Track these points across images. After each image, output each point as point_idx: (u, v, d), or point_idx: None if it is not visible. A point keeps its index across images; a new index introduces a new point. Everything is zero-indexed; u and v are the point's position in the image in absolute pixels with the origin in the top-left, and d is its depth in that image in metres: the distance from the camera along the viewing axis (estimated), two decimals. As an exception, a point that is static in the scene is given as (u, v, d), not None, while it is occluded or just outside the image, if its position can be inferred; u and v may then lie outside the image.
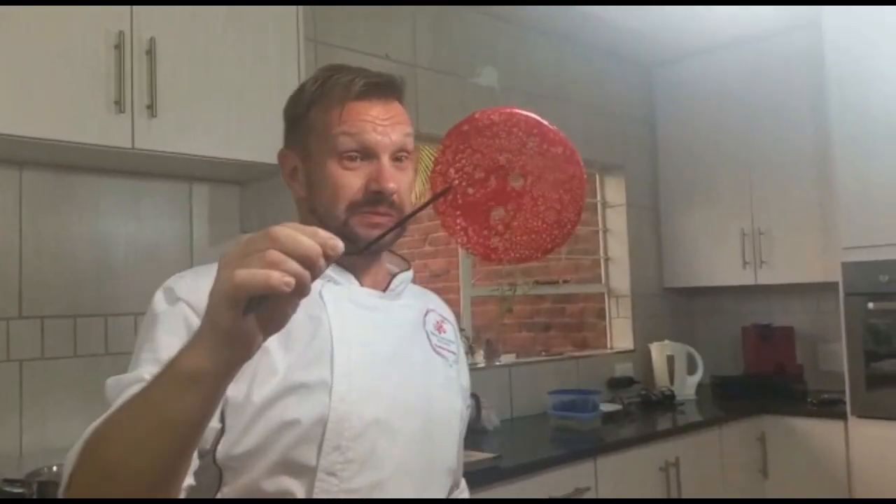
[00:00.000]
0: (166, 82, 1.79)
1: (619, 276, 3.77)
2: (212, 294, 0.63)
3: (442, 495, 1.01)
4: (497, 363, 3.10)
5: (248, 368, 0.71)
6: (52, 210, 1.96)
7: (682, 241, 3.78)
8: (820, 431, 3.05)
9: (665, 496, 2.68)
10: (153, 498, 0.68)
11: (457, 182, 0.83)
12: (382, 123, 0.94)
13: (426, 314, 1.08)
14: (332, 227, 0.85)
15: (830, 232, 3.11)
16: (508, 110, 0.83)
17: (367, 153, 0.94)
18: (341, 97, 0.95)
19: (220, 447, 0.85)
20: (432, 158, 0.89)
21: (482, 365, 3.05)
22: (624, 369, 3.57)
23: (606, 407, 3.00)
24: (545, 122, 0.82)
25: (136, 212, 2.11)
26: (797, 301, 3.64)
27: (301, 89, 1.01)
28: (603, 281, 3.82)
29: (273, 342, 0.68)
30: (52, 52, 1.65)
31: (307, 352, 0.90)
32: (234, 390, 0.84)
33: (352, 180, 0.94)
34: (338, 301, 0.95)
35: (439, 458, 1.00)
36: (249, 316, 0.62)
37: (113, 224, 2.07)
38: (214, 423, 0.84)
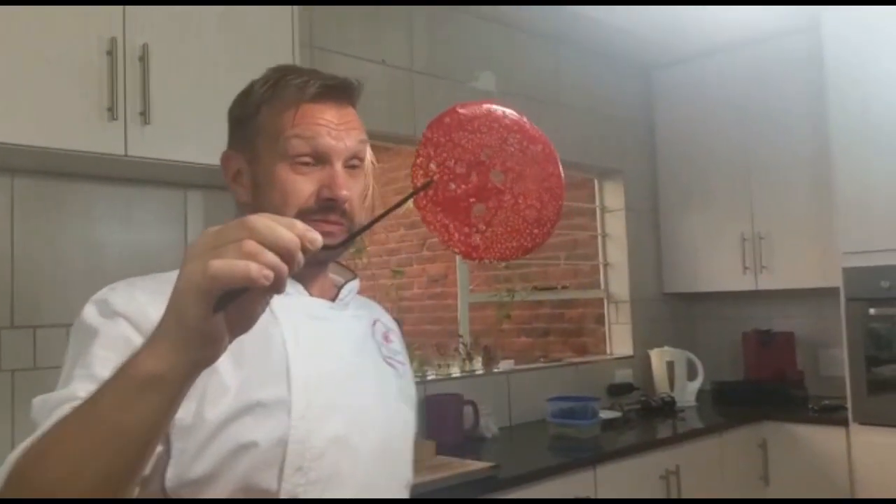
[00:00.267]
0: (159, 89, 1.77)
1: (619, 282, 3.75)
2: (178, 289, 0.59)
3: None
4: (495, 370, 3.08)
5: (195, 386, 0.66)
6: (45, 218, 1.95)
7: (682, 246, 3.76)
8: (821, 438, 3.03)
9: (665, 504, 2.65)
10: (136, 498, 0.65)
11: (437, 177, 0.81)
12: (337, 128, 0.91)
13: (374, 324, 1.05)
14: None
15: (831, 237, 3.09)
16: (489, 105, 0.82)
17: (320, 158, 0.90)
18: (295, 99, 0.91)
19: (169, 474, 0.79)
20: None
21: (480, 372, 3.03)
22: (623, 375, 3.54)
23: (606, 414, 2.98)
24: (525, 120, 0.82)
25: (129, 219, 2.09)
26: (797, 306, 3.61)
27: (250, 89, 0.97)
28: (602, 286, 3.80)
29: (222, 357, 0.63)
30: (43, 59, 1.63)
31: (261, 368, 0.85)
32: (182, 411, 0.76)
33: (303, 186, 0.90)
34: (290, 312, 0.90)
35: (399, 472, 0.97)
36: (218, 314, 0.58)
37: (107, 232, 2.05)
38: (157, 447, 0.77)
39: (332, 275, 1.03)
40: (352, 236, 0.82)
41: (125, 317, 0.83)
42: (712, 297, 3.83)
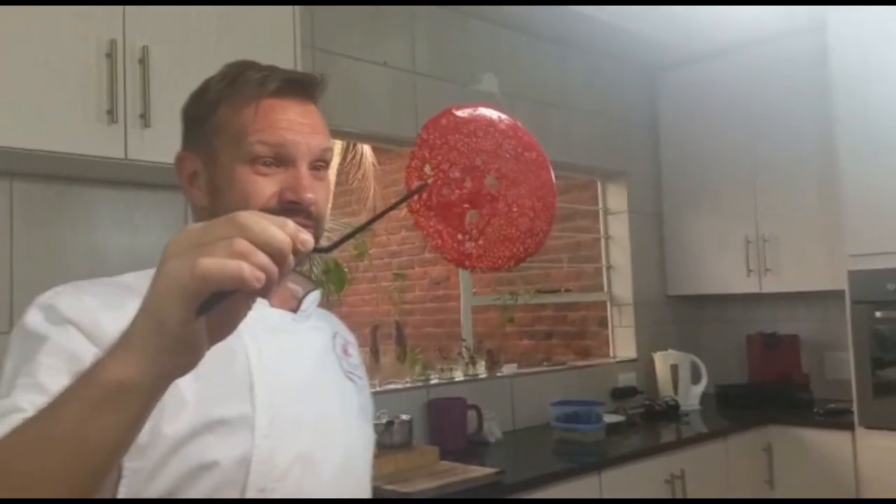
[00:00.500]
0: (159, 91, 1.76)
1: (622, 284, 3.72)
2: (157, 290, 0.53)
3: None
4: (498, 374, 3.06)
5: None
6: (44, 222, 1.93)
7: (686, 249, 3.74)
8: (827, 442, 3.00)
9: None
10: (129, 499, 0.62)
11: (432, 180, 0.79)
12: (301, 129, 0.86)
13: (333, 337, 1.00)
14: None
15: (836, 239, 3.06)
16: (484, 108, 0.81)
17: (283, 159, 0.86)
18: (254, 94, 0.86)
19: (121, 492, 0.74)
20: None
21: (484, 375, 3.01)
22: (627, 379, 3.52)
23: (610, 418, 2.96)
24: (519, 125, 0.80)
25: (130, 223, 2.08)
26: (802, 309, 3.59)
27: (206, 86, 0.91)
28: (605, 289, 3.78)
29: None
30: (42, 61, 1.62)
31: (222, 381, 0.80)
32: None
33: (264, 186, 0.85)
34: (251, 323, 0.85)
35: (359, 490, 0.94)
36: (200, 318, 0.53)
37: (107, 235, 2.04)
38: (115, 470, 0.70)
39: (291, 284, 0.98)
40: (343, 239, 0.77)
41: (75, 324, 0.77)
42: (716, 299, 3.81)
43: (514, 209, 0.78)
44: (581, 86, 3.49)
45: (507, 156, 0.78)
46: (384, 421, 2.36)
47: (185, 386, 0.75)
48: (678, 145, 3.79)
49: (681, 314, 3.88)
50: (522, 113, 2.47)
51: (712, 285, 3.65)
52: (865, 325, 2.93)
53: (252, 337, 0.84)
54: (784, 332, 3.55)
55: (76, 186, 1.98)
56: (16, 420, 0.59)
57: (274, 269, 0.52)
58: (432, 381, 2.83)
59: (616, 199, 3.78)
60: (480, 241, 0.78)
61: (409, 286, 4.77)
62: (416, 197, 0.79)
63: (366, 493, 0.95)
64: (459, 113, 0.81)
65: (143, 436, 0.72)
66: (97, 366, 0.55)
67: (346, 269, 2.79)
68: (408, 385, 2.76)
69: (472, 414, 2.71)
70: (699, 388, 3.46)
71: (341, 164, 5.32)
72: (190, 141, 0.92)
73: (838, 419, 3.01)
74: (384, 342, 2.92)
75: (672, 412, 3.24)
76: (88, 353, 0.73)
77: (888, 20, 2.88)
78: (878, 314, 2.90)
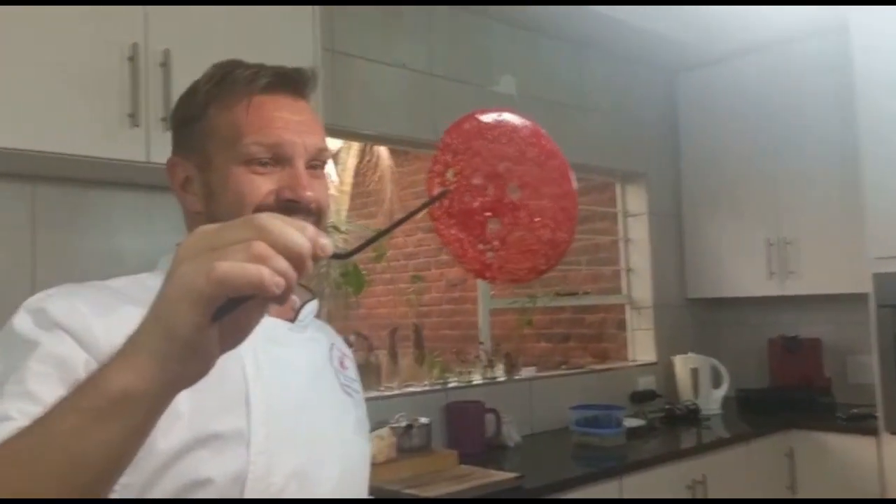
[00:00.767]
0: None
1: (641, 287, 3.69)
2: (168, 295, 0.50)
3: None
4: (517, 377, 3.04)
5: None
6: (66, 225, 1.94)
7: (706, 251, 3.70)
8: (851, 447, 2.96)
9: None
10: (130, 499, 0.60)
11: (454, 187, 0.77)
12: (297, 127, 0.84)
13: (330, 349, 0.97)
14: None
15: (860, 241, 3.02)
16: (508, 114, 0.78)
17: (280, 158, 0.83)
18: (245, 91, 0.84)
19: None
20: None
21: (502, 378, 2.99)
22: (647, 383, 3.49)
23: (630, 422, 2.93)
24: (542, 131, 0.77)
25: (151, 226, 2.08)
26: (824, 312, 3.54)
27: (194, 88, 0.88)
28: (624, 291, 3.75)
29: None
30: (65, 66, 1.63)
31: (217, 394, 0.76)
32: None
33: (259, 184, 0.82)
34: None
35: None
36: (214, 325, 0.50)
37: (128, 238, 2.04)
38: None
39: None
40: (364, 244, 0.73)
41: (67, 329, 0.74)
42: (737, 302, 3.77)
43: (537, 219, 0.75)
44: (600, 86, 3.46)
45: (531, 163, 0.76)
46: (403, 424, 2.35)
47: (179, 397, 0.74)
48: (698, 147, 3.76)
49: (701, 317, 3.84)
50: (540, 114, 2.45)
51: (733, 288, 3.62)
52: (890, 328, 2.88)
53: (249, 347, 0.76)
54: (806, 336, 3.51)
55: (98, 189, 1.99)
56: (4, 430, 0.56)
57: (293, 274, 0.50)
58: (450, 385, 2.82)
59: (635, 200, 3.75)
60: (502, 252, 0.75)
61: (426, 288, 4.76)
62: (437, 203, 0.77)
63: None
64: (483, 118, 0.78)
65: None
66: (100, 373, 0.52)
67: (364, 272, 2.79)
68: (426, 388, 2.75)
69: (490, 417, 2.69)
70: (720, 392, 3.42)
71: (358, 165, 5.32)
72: (181, 145, 0.90)
73: (862, 424, 2.97)
74: (402, 345, 2.91)
75: (693, 416, 3.21)
76: (80, 361, 0.72)
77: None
78: (903, 318, 2.86)
